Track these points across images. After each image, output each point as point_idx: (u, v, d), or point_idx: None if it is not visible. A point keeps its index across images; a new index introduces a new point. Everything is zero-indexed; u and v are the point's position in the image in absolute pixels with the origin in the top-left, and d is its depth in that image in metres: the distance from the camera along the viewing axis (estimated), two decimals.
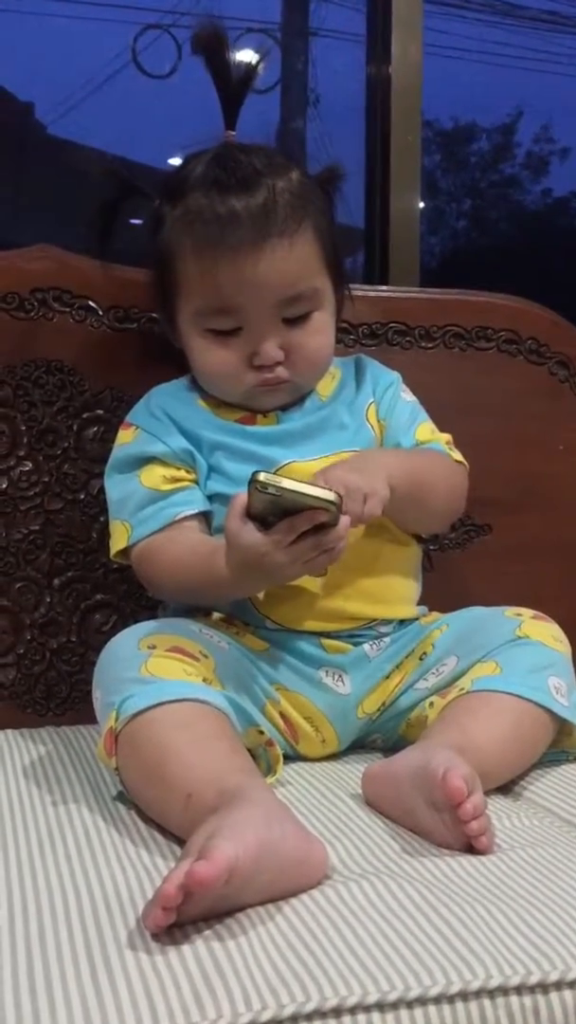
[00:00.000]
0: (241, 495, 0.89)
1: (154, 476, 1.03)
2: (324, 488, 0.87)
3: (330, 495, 0.86)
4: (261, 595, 1.01)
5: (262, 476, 0.85)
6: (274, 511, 0.88)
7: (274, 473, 0.87)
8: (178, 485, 1.03)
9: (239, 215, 0.97)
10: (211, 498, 1.03)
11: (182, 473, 1.04)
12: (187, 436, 1.04)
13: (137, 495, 1.03)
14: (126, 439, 1.07)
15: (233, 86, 1.04)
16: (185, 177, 1.01)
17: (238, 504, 0.89)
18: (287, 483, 0.85)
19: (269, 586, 0.98)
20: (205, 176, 0.99)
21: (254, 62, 1.05)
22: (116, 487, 1.06)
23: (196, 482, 1.04)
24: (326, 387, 1.09)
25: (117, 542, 1.04)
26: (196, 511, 1.01)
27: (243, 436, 1.04)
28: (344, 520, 0.89)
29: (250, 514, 0.89)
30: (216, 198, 0.98)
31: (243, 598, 1.01)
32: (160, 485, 1.03)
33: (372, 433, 1.09)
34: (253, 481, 0.85)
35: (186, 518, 1.01)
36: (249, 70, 1.05)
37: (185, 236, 1.00)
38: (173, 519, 1.01)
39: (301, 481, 0.87)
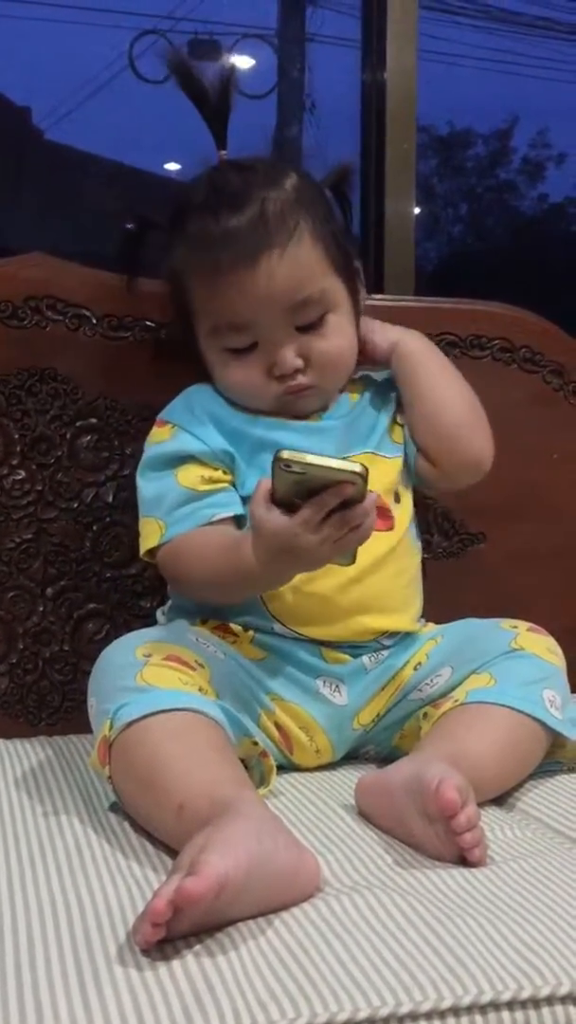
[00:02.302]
0: (265, 480, 0.87)
1: (191, 475, 1.02)
2: (349, 461, 0.86)
3: (356, 467, 0.85)
4: (268, 597, 1.00)
5: (285, 454, 0.84)
6: (298, 493, 0.86)
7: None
8: (216, 486, 1.01)
9: (231, 234, 0.97)
10: (245, 500, 1.02)
11: (219, 474, 1.02)
12: (229, 435, 1.03)
13: (173, 493, 1.01)
14: (162, 436, 1.05)
15: (213, 107, 1.05)
16: (185, 203, 1.03)
17: (263, 489, 0.88)
18: (312, 458, 0.84)
19: (298, 573, 0.95)
20: (199, 200, 1.01)
21: (227, 77, 1.04)
22: (149, 484, 1.04)
23: (233, 484, 1.03)
24: (354, 395, 1.10)
25: (148, 540, 1.02)
26: (232, 514, 1.00)
27: (288, 429, 1.03)
28: (371, 496, 0.87)
29: (274, 500, 0.88)
30: (210, 220, 0.99)
31: (249, 600, 1.00)
32: (197, 485, 1.01)
33: (397, 445, 1.09)
34: (277, 460, 0.84)
35: (221, 520, 1.00)
36: (225, 87, 1.04)
37: (188, 261, 1.01)
38: (209, 520, 0.99)
39: (324, 456, 0.86)
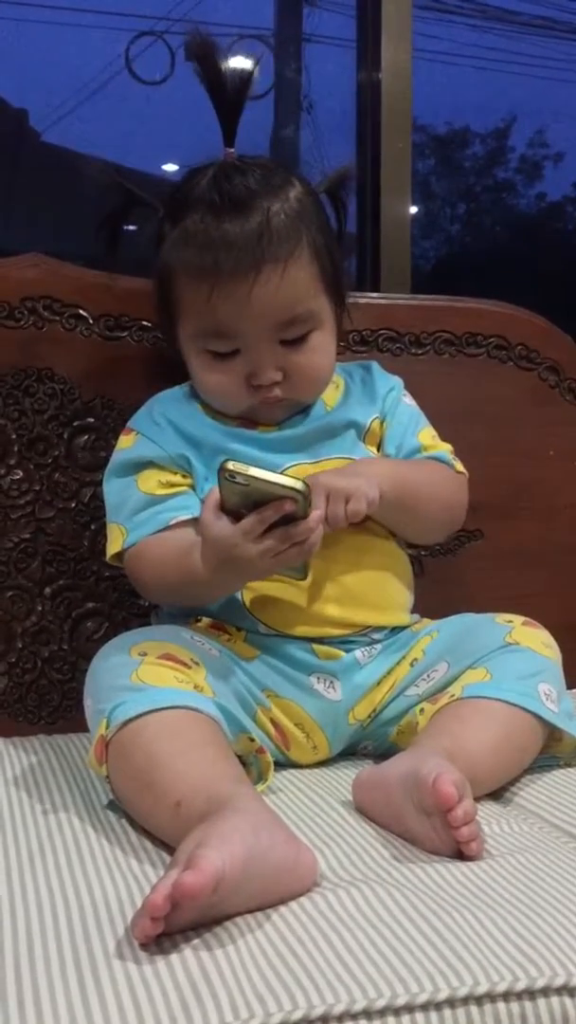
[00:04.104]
0: (215, 489, 0.89)
1: (150, 481, 1.04)
2: (292, 478, 0.87)
3: (297, 484, 0.87)
4: (248, 598, 1.01)
5: (230, 464, 0.85)
6: (246, 504, 0.88)
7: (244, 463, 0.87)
8: (174, 490, 1.03)
9: (233, 241, 0.97)
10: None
11: (178, 478, 1.04)
12: (188, 440, 1.05)
13: (133, 499, 1.03)
14: (126, 444, 1.07)
15: (229, 100, 1.03)
16: (185, 196, 1.02)
17: (212, 497, 0.90)
18: (254, 471, 0.86)
19: (244, 582, 0.98)
20: (201, 198, 1.00)
21: (247, 74, 1.03)
22: (114, 491, 1.06)
23: (192, 487, 1.04)
24: (331, 396, 1.10)
25: (113, 545, 1.05)
26: (190, 516, 1.01)
27: (245, 440, 1.04)
28: (315, 514, 0.90)
29: (224, 509, 0.90)
30: (211, 222, 0.98)
31: (230, 599, 1.01)
32: (156, 490, 1.03)
33: (369, 451, 1.09)
34: (222, 470, 0.86)
35: (180, 523, 1.01)
36: (244, 83, 1.03)
37: (182, 259, 1.01)
38: (168, 524, 1.01)
39: (270, 471, 0.87)
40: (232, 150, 1.04)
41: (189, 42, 1.02)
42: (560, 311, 1.39)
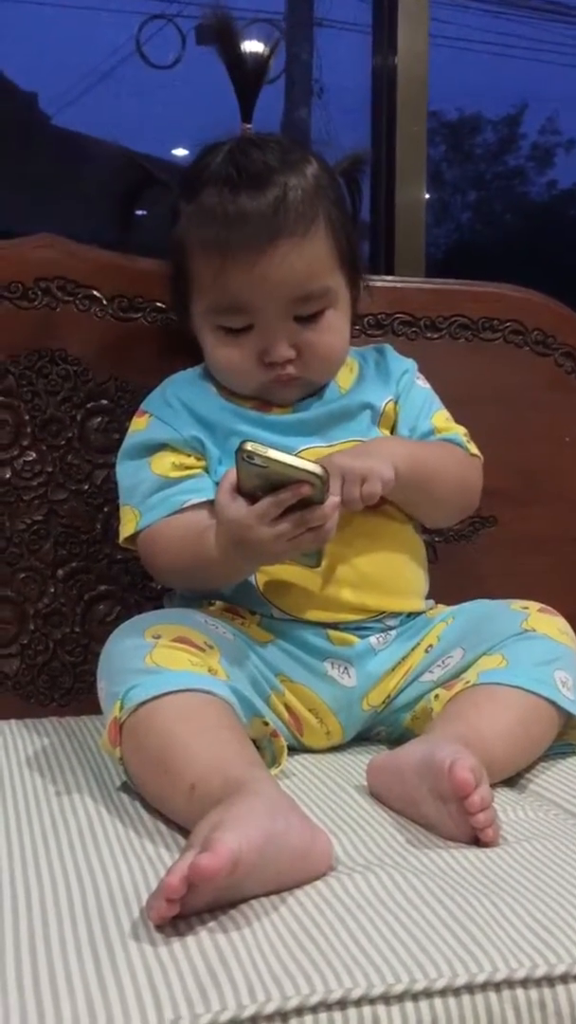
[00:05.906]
0: (232, 470, 0.89)
1: (164, 463, 1.03)
2: (310, 462, 0.87)
3: (316, 468, 0.86)
4: (262, 581, 1.00)
5: (248, 445, 0.85)
6: (263, 487, 0.87)
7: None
8: (187, 473, 1.02)
9: (249, 215, 0.96)
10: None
11: (192, 461, 1.03)
12: (202, 423, 1.04)
13: (147, 482, 1.03)
14: (139, 426, 1.07)
15: (247, 77, 1.03)
16: (200, 171, 1.01)
17: (228, 479, 0.90)
18: (273, 453, 0.85)
19: (257, 566, 0.98)
20: (218, 173, 0.99)
21: (266, 52, 1.03)
22: (127, 474, 1.06)
23: (206, 470, 1.03)
24: (345, 379, 1.09)
25: (126, 528, 1.04)
26: (204, 499, 1.01)
27: (258, 423, 1.04)
28: (332, 500, 0.89)
29: (240, 491, 0.89)
30: (227, 196, 0.97)
31: (244, 583, 1.00)
32: (169, 472, 1.02)
33: (383, 434, 1.09)
34: (240, 451, 0.85)
35: (194, 506, 1.01)
36: (263, 60, 1.03)
37: (197, 234, 1.00)
38: (181, 506, 1.00)
39: (288, 453, 0.87)
40: (249, 126, 1.03)
41: (206, 20, 1.02)
42: (571, 299, 1.38)
